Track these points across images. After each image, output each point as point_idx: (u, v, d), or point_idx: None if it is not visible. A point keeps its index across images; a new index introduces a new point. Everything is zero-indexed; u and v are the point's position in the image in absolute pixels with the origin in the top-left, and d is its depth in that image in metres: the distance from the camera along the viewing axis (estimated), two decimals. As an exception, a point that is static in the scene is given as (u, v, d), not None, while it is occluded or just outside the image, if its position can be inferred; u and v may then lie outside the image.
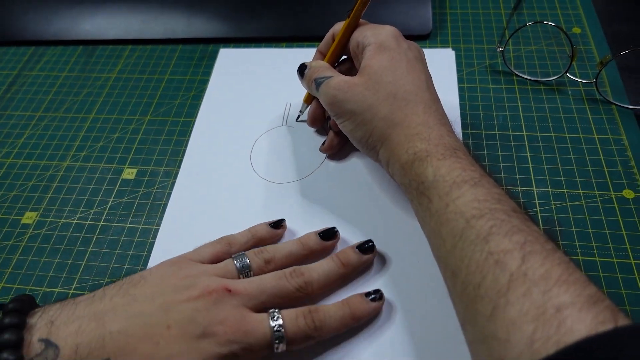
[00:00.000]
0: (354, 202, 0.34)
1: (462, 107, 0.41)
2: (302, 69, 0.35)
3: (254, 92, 0.44)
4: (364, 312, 0.26)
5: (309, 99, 0.38)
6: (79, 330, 0.23)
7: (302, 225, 0.33)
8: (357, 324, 0.26)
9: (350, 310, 0.26)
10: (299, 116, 0.40)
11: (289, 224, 0.33)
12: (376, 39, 0.31)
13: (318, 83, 0.32)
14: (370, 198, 0.34)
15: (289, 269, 0.27)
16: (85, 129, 0.43)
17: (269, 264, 0.28)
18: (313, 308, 0.25)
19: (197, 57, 0.48)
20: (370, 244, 0.30)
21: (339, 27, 0.35)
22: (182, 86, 0.46)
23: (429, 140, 0.27)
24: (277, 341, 0.24)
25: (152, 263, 0.32)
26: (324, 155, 0.38)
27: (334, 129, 0.35)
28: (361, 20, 0.34)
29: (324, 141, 0.37)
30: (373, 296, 0.27)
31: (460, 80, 0.43)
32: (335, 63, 0.36)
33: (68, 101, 0.46)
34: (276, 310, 0.25)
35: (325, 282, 0.27)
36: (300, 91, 0.42)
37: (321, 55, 0.36)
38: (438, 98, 0.31)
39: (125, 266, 0.33)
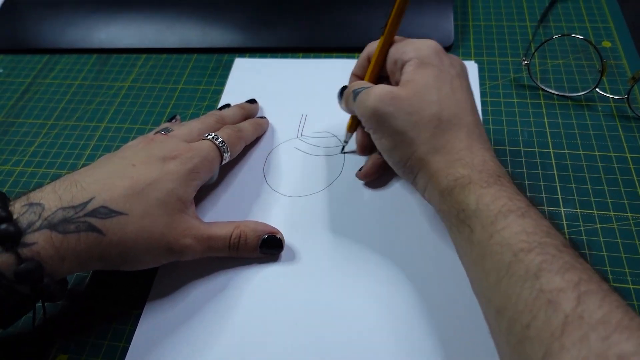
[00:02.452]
0: (369, 219, 0.34)
1: (485, 122, 0.41)
2: (341, 92, 0.35)
3: (269, 103, 0.44)
4: (262, 121, 0.40)
5: (353, 126, 0.37)
6: (55, 188, 0.28)
7: (315, 239, 0.34)
8: (260, 129, 0.40)
9: (254, 121, 0.40)
10: (343, 147, 0.39)
11: (301, 238, 0.34)
12: (417, 54, 0.30)
13: (356, 93, 0.32)
14: (387, 216, 0.34)
15: (209, 113, 0.38)
16: (97, 137, 0.44)
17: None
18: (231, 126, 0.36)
19: (212, 67, 0.49)
20: (253, 99, 0.42)
21: (373, 46, 0.34)
22: (195, 95, 0.47)
23: (472, 166, 0.27)
24: (224, 151, 0.34)
25: (158, 273, 0.34)
26: (339, 169, 0.38)
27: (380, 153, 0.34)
28: (396, 36, 0.33)
29: (362, 167, 0.36)
30: (264, 117, 0.41)
31: (483, 94, 0.43)
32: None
33: (80, 110, 0.47)
34: (212, 133, 0.34)
35: (233, 117, 0.39)
36: (315, 103, 0.43)
37: (357, 78, 0.36)
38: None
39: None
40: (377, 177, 0.36)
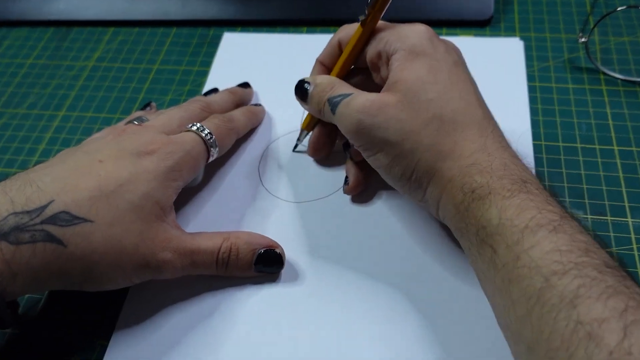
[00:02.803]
0: (389, 231, 0.35)
1: (534, 113, 0.41)
2: (302, 88, 0.35)
3: (266, 88, 0.44)
4: (257, 109, 0.42)
5: (311, 124, 0.38)
6: (5, 189, 0.28)
7: (323, 255, 0.34)
8: (255, 118, 0.41)
9: (247, 109, 0.41)
10: (296, 146, 0.40)
11: (305, 253, 0.35)
12: (405, 43, 0.31)
13: (334, 104, 0.32)
14: (412, 227, 0.35)
15: (192, 100, 0.40)
16: (53, 129, 0.44)
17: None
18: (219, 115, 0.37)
19: (195, 44, 0.49)
20: (247, 83, 0.43)
21: (347, 31, 0.34)
22: (175, 78, 0.47)
23: (491, 172, 0.27)
24: (211, 146, 0.35)
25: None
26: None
27: (355, 158, 0.35)
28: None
29: (346, 179, 0.36)
30: (259, 104, 0.43)
31: (530, 78, 0.43)
32: (343, 78, 0.35)
33: (33, 94, 0.47)
34: (197, 124, 0.35)
35: (222, 103, 0.39)
36: None
37: (324, 68, 0.36)
38: (490, 113, 0.31)
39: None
40: (365, 187, 0.37)
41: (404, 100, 0.30)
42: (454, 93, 0.30)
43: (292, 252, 0.35)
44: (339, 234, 0.35)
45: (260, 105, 0.43)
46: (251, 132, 0.42)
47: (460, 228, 0.28)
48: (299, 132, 0.40)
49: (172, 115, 0.37)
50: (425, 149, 0.29)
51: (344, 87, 0.33)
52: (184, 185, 0.34)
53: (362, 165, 0.36)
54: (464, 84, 0.31)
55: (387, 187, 0.36)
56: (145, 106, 0.42)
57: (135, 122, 0.36)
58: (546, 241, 0.23)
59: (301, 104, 0.36)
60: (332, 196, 0.38)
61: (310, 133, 0.39)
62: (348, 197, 0.37)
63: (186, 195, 0.38)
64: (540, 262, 0.23)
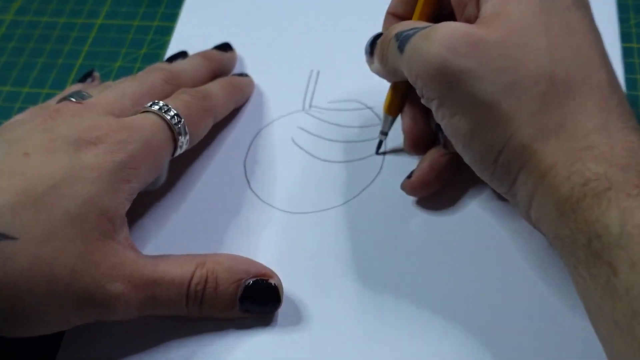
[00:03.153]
0: (420, 256, 0.35)
1: (631, 85, 0.40)
2: (374, 41, 0.35)
3: (254, 51, 0.44)
4: (241, 82, 0.42)
5: (397, 102, 0.37)
6: None
7: (332, 288, 0.34)
8: (240, 94, 0.41)
9: (228, 81, 0.41)
10: (380, 143, 0.39)
11: (309, 284, 0.35)
12: None
13: (404, 38, 0.32)
14: (450, 252, 0.35)
15: (152, 68, 0.40)
16: None
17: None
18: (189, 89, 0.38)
19: (154, -10, 0.49)
20: (227, 44, 0.43)
21: None
22: (126, 38, 0.46)
23: (611, 160, 0.26)
24: (179, 133, 0.34)
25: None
26: (375, 167, 0.38)
27: (451, 148, 0.34)
28: None
29: (411, 172, 0.36)
30: (244, 73, 0.43)
31: (625, 38, 0.42)
32: None
33: None
34: (159, 102, 0.34)
35: (193, 73, 0.39)
36: (334, 49, 0.42)
37: (397, 20, 0.36)
38: (617, 79, 0.30)
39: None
40: (436, 189, 0.36)
41: (507, 42, 0.29)
42: (572, 45, 0.29)
43: (293, 283, 0.34)
44: (357, 258, 0.35)
45: (246, 75, 0.42)
46: (234, 113, 0.41)
47: (562, 237, 0.27)
48: (302, 107, 0.39)
49: (123, 89, 0.36)
50: (525, 119, 0.28)
51: (419, 25, 0.32)
52: (140, 188, 0.33)
53: (452, 161, 0.35)
54: (586, 34, 0.29)
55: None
56: (85, 77, 0.41)
57: (73, 99, 0.35)
58: None
59: (369, 66, 0.36)
60: (346, 206, 0.37)
61: (400, 119, 0.37)
62: (369, 208, 0.37)
63: (145, 203, 0.37)
64: None
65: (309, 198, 0.37)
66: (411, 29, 0.32)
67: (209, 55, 0.42)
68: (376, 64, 0.35)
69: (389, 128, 0.38)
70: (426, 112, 0.36)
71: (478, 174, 0.31)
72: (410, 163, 0.37)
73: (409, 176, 0.36)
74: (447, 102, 0.30)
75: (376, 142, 0.39)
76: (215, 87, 0.39)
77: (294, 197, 0.37)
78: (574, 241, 0.26)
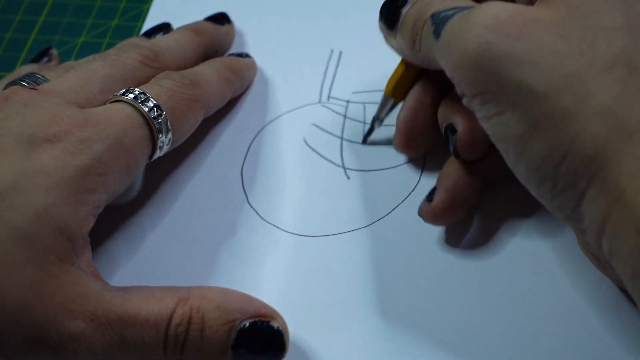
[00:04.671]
0: (465, 293, 0.36)
1: None
2: (393, 7, 0.36)
3: (258, 25, 0.45)
4: (241, 64, 0.43)
5: (402, 86, 0.38)
6: None
7: (352, 331, 0.35)
8: (238, 80, 0.42)
9: (223, 63, 0.42)
10: (370, 130, 0.40)
11: (313, 324, 0.35)
12: None
13: (441, 19, 0.32)
14: (496, 286, 0.35)
15: (125, 44, 0.41)
16: None
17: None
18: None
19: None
20: (223, 14, 0.45)
21: None
22: (92, 5, 0.47)
23: None
24: (159, 131, 0.35)
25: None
26: (414, 177, 0.39)
27: (465, 155, 0.36)
28: None
29: (431, 193, 0.36)
30: (244, 53, 0.44)
31: None
32: None
33: None
34: (134, 90, 0.35)
35: (179, 52, 0.40)
36: (359, 26, 0.43)
37: None
38: None
39: None
40: (462, 216, 0.37)
41: (570, 22, 0.29)
42: None
43: (301, 327, 0.34)
44: (382, 296, 0.36)
45: (247, 55, 0.43)
46: (231, 104, 0.42)
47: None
48: (318, 99, 0.41)
49: (90, 72, 0.37)
50: (595, 115, 0.28)
51: (462, 2, 0.33)
52: (108, 200, 0.34)
53: (472, 173, 0.36)
54: None
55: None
56: (40, 55, 0.42)
57: (25, 84, 0.36)
58: None
59: (386, 38, 0.37)
60: (376, 227, 0.38)
61: (400, 105, 0.38)
62: (406, 231, 0.37)
63: (113, 218, 0.38)
64: None
65: (324, 217, 0.38)
66: (451, 8, 0.32)
67: (200, 29, 0.42)
68: (400, 41, 0.36)
69: (387, 114, 0.39)
70: (433, 107, 0.37)
71: (534, 191, 0.31)
72: None
73: (429, 198, 0.36)
74: (494, 96, 0.30)
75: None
76: (207, 71, 0.39)
77: (304, 216, 0.38)
78: None
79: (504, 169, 0.33)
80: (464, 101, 0.32)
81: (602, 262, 0.30)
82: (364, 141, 0.40)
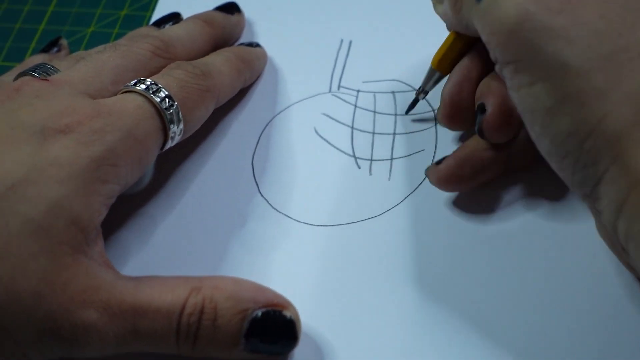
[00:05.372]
0: (486, 282, 0.35)
1: None
2: None
3: (267, 15, 0.45)
4: (251, 53, 0.43)
5: (451, 60, 0.37)
6: None
7: (367, 324, 0.35)
8: (249, 70, 0.42)
9: (234, 53, 0.42)
10: (415, 101, 0.40)
11: (326, 314, 0.35)
12: None
13: None
14: (519, 275, 0.35)
15: (136, 34, 0.42)
16: None
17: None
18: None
19: None
20: (233, 4, 0.45)
21: None
22: None
23: None
24: (171, 121, 0.35)
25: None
26: (424, 163, 0.38)
27: (491, 137, 0.36)
28: None
29: (443, 158, 0.37)
30: (254, 43, 0.44)
31: None
32: None
33: None
34: (146, 80, 0.35)
35: (190, 42, 0.41)
36: (370, 14, 0.43)
37: None
38: None
39: None
40: (469, 188, 0.37)
41: (610, 2, 0.29)
42: None
43: (313, 316, 0.34)
44: (395, 286, 0.35)
45: (257, 45, 0.43)
46: (241, 94, 0.42)
47: None
48: (328, 88, 0.40)
49: (101, 62, 0.37)
50: (625, 97, 0.28)
51: None
52: (121, 191, 0.34)
53: (496, 159, 0.36)
54: None
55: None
56: (49, 45, 0.42)
57: (36, 75, 0.36)
58: None
59: (434, 4, 0.37)
60: (388, 216, 0.38)
61: (446, 80, 0.37)
62: (420, 220, 0.37)
63: (125, 209, 0.38)
64: None
65: (336, 207, 0.38)
66: None
67: (210, 19, 0.42)
68: (445, 5, 0.35)
69: (432, 87, 0.38)
70: (479, 81, 0.37)
71: (555, 165, 0.31)
72: None
73: (438, 162, 0.37)
74: (527, 66, 0.30)
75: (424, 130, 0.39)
76: (218, 61, 0.39)
77: (315, 206, 0.38)
78: None
79: (524, 161, 0.33)
80: (496, 68, 0.32)
81: (617, 247, 0.30)
82: (407, 112, 0.40)
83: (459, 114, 0.37)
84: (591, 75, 0.29)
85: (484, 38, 0.32)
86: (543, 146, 0.31)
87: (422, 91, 0.39)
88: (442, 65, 0.38)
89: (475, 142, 0.37)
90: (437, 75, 0.38)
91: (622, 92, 0.28)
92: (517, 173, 0.37)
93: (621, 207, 0.28)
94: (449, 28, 0.37)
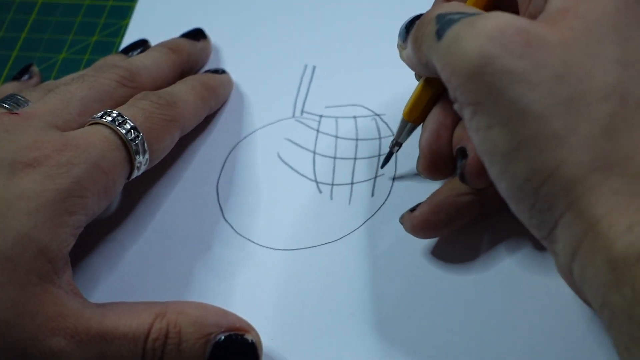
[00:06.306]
0: (444, 307, 0.35)
1: None
2: (410, 24, 0.36)
3: (232, 41, 0.45)
4: (216, 80, 0.43)
5: (423, 111, 0.37)
6: None
7: (326, 347, 0.35)
8: (214, 97, 0.42)
9: (199, 82, 0.42)
10: (390, 155, 0.39)
11: (288, 338, 0.35)
12: None
13: (445, 23, 0.31)
14: (479, 304, 0.35)
15: (103, 64, 0.42)
16: None
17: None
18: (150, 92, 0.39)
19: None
20: (199, 30, 0.45)
21: None
22: (73, 22, 0.47)
23: None
24: (136, 152, 0.36)
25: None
26: (384, 190, 0.39)
27: (473, 183, 0.35)
28: None
29: (417, 205, 0.36)
30: (220, 69, 0.44)
31: None
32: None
33: None
34: (112, 112, 0.36)
35: (156, 70, 0.41)
36: (335, 40, 0.43)
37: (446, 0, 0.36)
38: None
39: None
40: (443, 233, 0.37)
41: (573, 46, 0.29)
42: None
43: (275, 339, 0.35)
44: (355, 310, 0.36)
45: (223, 72, 0.43)
46: (207, 121, 0.42)
47: (613, 306, 0.27)
48: (291, 113, 0.41)
49: (68, 94, 0.37)
50: (583, 143, 0.28)
51: (467, 9, 0.32)
52: (88, 221, 0.34)
53: (472, 204, 0.36)
54: None
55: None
56: (21, 73, 0.42)
57: (7, 106, 0.36)
58: None
59: (400, 53, 0.36)
60: (348, 240, 0.38)
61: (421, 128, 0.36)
62: (378, 244, 0.38)
63: (93, 235, 0.38)
64: None
65: (297, 231, 0.38)
66: (457, 12, 0.31)
67: (176, 46, 0.42)
68: (409, 49, 0.35)
69: (405, 139, 0.37)
70: (454, 127, 0.36)
71: (513, 207, 0.31)
72: (426, 190, 0.37)
73: (413, 209, 0.36)
74: (486, 109, 0.30)
75: (384, 155, 0.39)
76: (183, 90, 0.40)
77: (278, 230, 0.38)
78: (630, 315, 0.26)
79: (499, 205, 0.33)
80: (455, 106, 0.32)
81: (575, 287, 0.30)
82: (382, 167, 0.39)
83: (440, 162, 0.36)
84: (550, 121, 0.28)
85: (443, 77, 0.31)
86: (501, 189, 0.31)
87: (396, 144, 0.38)
88: (413, 115, 0.37)
89: (449, 187, 0.36)
90: (409, 125, 0.37)
91: (579, 138, 0.28)
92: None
93: (576, 252, 0.29)
94: (415, 73, 0.37)
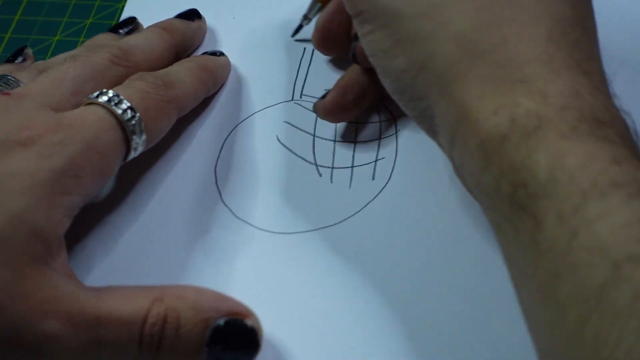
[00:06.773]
0: (449, 290, 0.35)
1: None
2: None
3: (229, 22, 0.45)
4: (215, 62, 0.43)
5: None
6: None
7: (327, 330, 0.35)
8: (212, 79, 0.42)
9: (197, 63, 0.42)
10: (300, 27, 0.44)
11: (288, 322, 0.35)
12: None
13: None
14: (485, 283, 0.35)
15: (95, 42, 0.42)
16: None
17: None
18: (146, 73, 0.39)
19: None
20: (194, 10, 0.45)
21: None
22: (67, 4, 0.47)
23: (547, 96, 0.28)
24: (133, 132, 0.35)
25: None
26: (386, 170, 0.39)
27: (362, 62, 0.39)
28: None
29: (326, 93, 0.40)
30: (218, 52, 0.44)
31: None
32: None
33: None
34: (108, 92, 0.35)
35: (149, 49, 0.41)
36: None
37: None
38: (593, 20, 0.31)
39: None
40: (355, 114, 0.41)
41: None
42: None
43: (275, 324, 0.34)
44: (357, 293, 0.36)
45: (220, 54, 0.43)
46: (204, 103, 0.42)
47: (484, 185, 0.29)
48: (290, 96, 0.42)
49: (62, 73, 0.37)
50: (451, 35, 0.30)
51: None
52: (83, 202, 0.34)
53: (365, 77, 0.40)
54: None
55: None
56: (15, 55, 0.42)
57: None
58: (623, 209, 0.24)
59: None
60: (349, 223, 0.38)
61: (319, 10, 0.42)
62: (380, 227, 0.38)
63: (87, 218, 0.38)
64: (611, 241, 0.24)
65: (298, 214, 0.38)
66: None
67: (170, 26, 0.42)
68: None
69: (314, 15, 0.43)
70: (348, 16, 0.38)
71: (398, 102, 0.34)
72: (428, 170, 0.38)
73: (323, 96, 0.40)
74: (368, 16, 0.33)
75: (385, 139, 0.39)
76: (181, 71, 0.40)
77: (277, 213, 0.38)
78: (498, 191, 0.27)
79: None
80: (354, 22, 0.35)
81: (462, 176, 0.32)
82: (293, 36, 0.45)
83: (329, 40, 0.41)
84: (418, 20, 0.31)
85: None
86: (388, 86, 0.34)
87: (305, 18, 0.43)
88: None
89: (353, 70, 0.40)
90: (318, 6, 0.42)
91: (447, 33, 0.30)
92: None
93: (453, 139, 0.31)
94: None
